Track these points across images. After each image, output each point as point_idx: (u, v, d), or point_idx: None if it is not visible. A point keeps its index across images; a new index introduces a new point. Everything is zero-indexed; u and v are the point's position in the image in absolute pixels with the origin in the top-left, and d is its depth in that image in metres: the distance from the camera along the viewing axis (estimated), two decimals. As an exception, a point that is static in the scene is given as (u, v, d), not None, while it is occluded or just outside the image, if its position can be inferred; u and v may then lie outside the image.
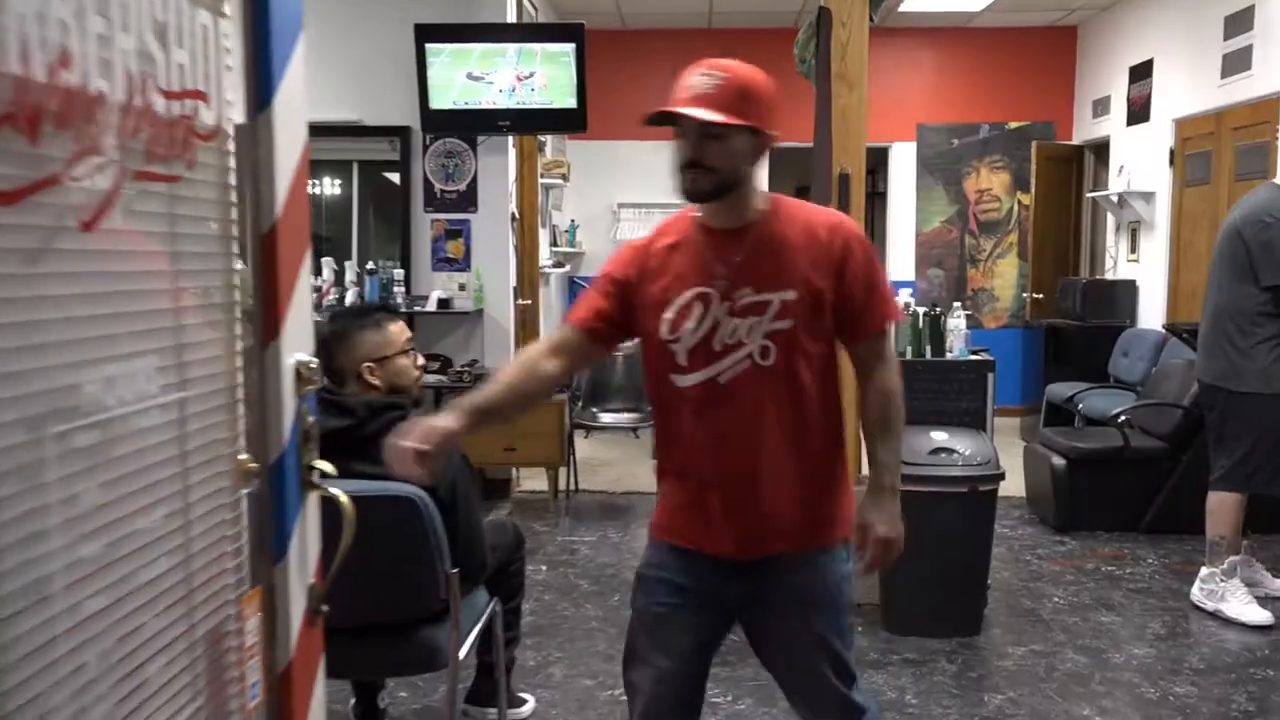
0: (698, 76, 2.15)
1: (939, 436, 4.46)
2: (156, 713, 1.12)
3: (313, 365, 1.51)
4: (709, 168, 2.15)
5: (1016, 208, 9.81)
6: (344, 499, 1.56)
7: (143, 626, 1.10)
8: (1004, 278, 9.92)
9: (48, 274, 0.87)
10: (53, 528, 0.93)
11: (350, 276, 6.54)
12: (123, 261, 1.03)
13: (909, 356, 5.77)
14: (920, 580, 4.33)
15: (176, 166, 1.12)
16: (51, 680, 0.92)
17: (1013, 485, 6.42)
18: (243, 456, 1.40)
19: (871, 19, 4.66)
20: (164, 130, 1.06)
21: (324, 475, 1.54)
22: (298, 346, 1.47)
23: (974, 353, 5.93)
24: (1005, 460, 4.67)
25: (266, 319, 1.42)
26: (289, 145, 1.39)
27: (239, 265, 1.32)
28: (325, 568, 1.56)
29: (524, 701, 3.72)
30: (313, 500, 1.53)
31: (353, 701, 3.56)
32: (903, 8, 8.71)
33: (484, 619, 3.14)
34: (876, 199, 11.09)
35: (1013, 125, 9.72)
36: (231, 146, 1.28)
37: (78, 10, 0.86)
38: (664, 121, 2.16)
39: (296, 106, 1.41)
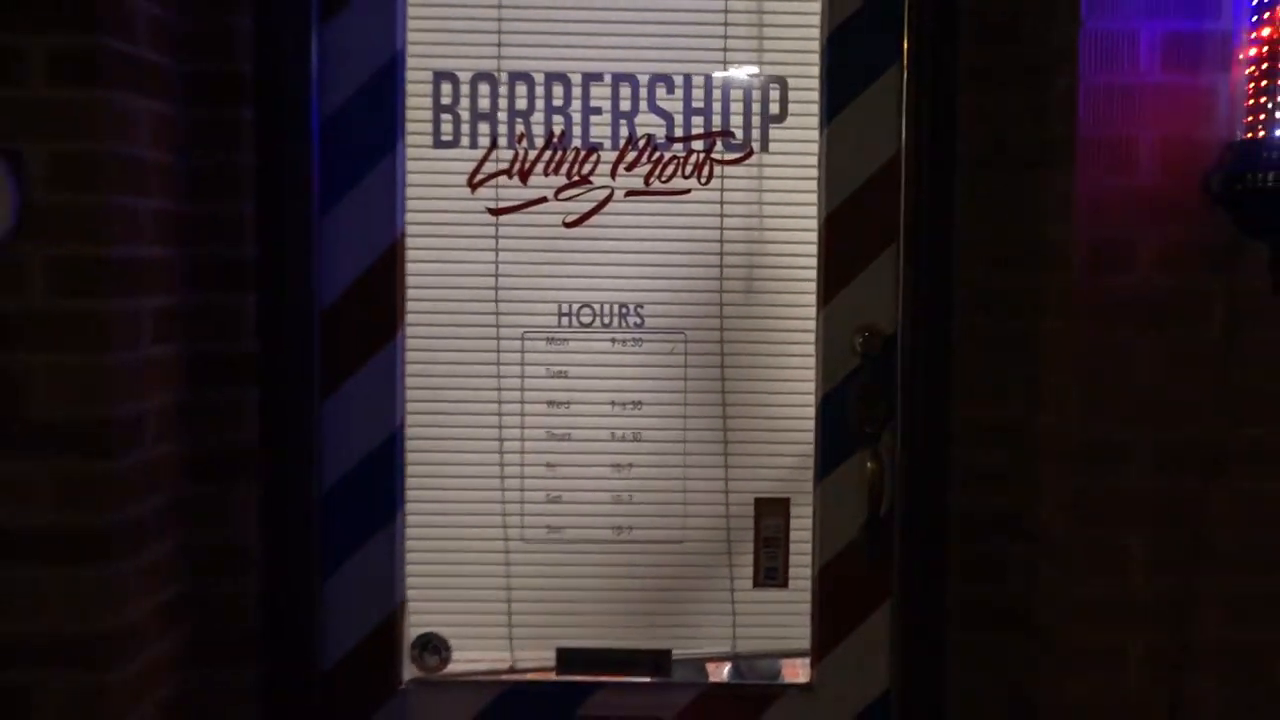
0: None
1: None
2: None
3: (880, 335, 1.86)
4: None
5: None
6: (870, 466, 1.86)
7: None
8: None
9: (547, 257, 1.90)
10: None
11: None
12: (614, 250, 1.86)
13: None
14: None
15: (682, 182, 1.86)
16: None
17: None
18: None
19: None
20: (669, 161, 1.86)
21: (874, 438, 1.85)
22: (856, 317, 1.87)
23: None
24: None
25: (821, 287, 1.87)
26: (847, 158, 1.86)
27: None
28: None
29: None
30: (861, 454, 1.87)
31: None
32: None
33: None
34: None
35: None
36: (760, 164, 1.87)
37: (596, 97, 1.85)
38: None
39: (855, 129, 1.86)
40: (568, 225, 1.91)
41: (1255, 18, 1.49)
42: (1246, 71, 1.50)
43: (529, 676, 1.94)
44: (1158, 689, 1.60)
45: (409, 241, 1.89)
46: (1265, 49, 1.48)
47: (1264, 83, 1.47)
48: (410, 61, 1.87)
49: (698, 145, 1.90)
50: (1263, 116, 1.47)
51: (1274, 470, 1.59)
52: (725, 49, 1.88)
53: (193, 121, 1.71)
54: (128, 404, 1.52)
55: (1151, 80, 1.56)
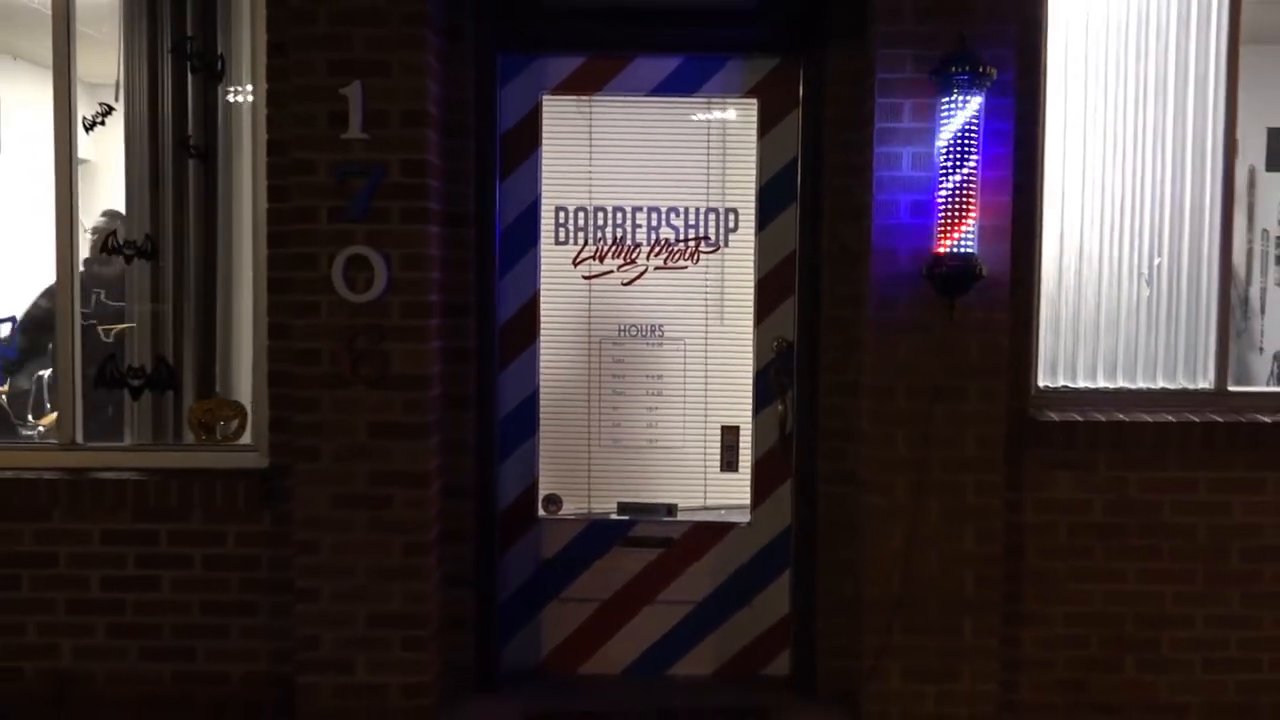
0: None
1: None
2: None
3: (786, 341, 3.72)
4: None
5: None
6: (780, 408, 4.09)
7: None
8: None
9: (614, 301, 3.70)
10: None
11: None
12: (649, 297, 3.79)
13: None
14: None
15: (684, 263, 3.79)
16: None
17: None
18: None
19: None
20: (677, 251, 3.74)
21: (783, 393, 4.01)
22: (774, 331, 3.64)
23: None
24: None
25: (755, 315, 3.65)
26: (769, 251, 3.81)
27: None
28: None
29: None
30: (776, 402, 3.70)
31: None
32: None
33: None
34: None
35: None
36: (723, 253, 3.81)
37: (639, 218, 3.75)
38: None
39: (773, 236, 3.59)
40: (624, 285, 3.69)
41: (942, 196, 3.26)
42: (936, 220, 3.27)
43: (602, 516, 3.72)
44: (910, 503, 3.37)
45: (542, 293, 3.68)
46: (943, 211, 3.25)
47: (940, 228, 3.25)
48: (543, 200, 3.67)
49: (691, 244, 3.68)
50: (941, 242, 3.25)
51: (962, 398, 3.34)
52: (707, 193, 3.68)
53: (448, 236, 3.51)
54: (429, 369, 3.31)
55: (905, 222, 3.35)
